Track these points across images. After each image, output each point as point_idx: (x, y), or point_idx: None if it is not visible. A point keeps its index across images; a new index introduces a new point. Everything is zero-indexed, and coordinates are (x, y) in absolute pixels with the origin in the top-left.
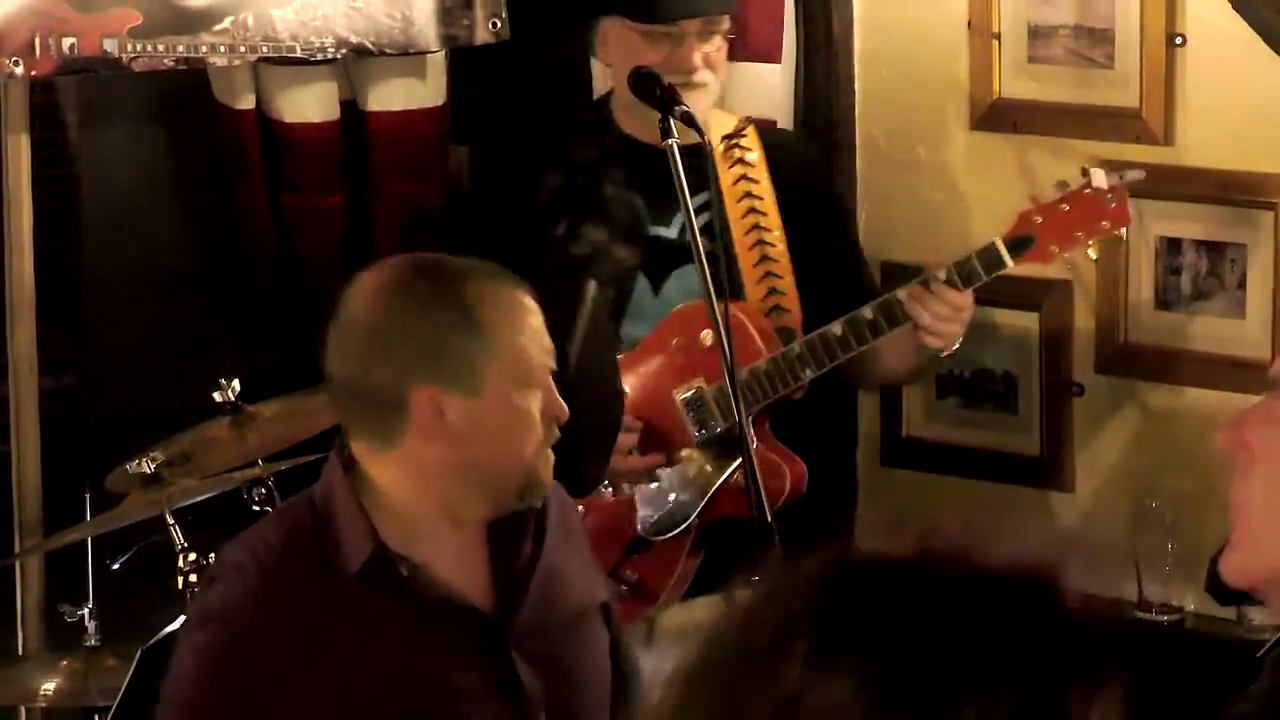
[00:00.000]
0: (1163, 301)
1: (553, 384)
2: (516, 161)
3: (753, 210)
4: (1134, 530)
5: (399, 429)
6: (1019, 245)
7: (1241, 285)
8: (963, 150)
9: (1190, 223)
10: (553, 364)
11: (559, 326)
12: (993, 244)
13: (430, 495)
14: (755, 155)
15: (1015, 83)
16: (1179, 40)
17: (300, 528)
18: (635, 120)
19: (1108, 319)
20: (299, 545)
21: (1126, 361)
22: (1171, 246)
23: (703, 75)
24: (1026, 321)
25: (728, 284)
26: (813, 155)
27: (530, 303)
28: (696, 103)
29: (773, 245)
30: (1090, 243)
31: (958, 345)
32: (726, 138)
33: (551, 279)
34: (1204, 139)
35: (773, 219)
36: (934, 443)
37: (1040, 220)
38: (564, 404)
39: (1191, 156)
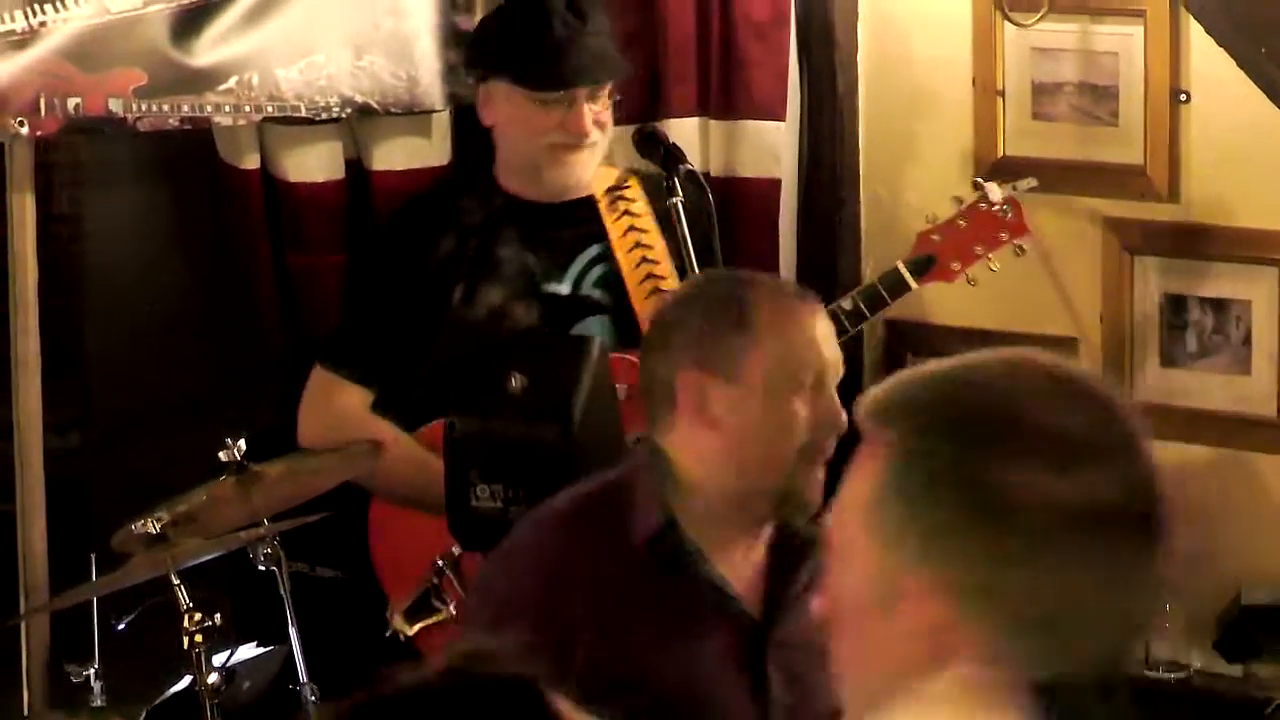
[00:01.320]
0: (1168, 358)
1: (833, 394)
2: (407, 227)
3: (645, 260)
4: None
5: (670, 413)
6: (921, 266)
7: (1247, 342)
8: None
9: (1195, 279)
10: (833, 375)
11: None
12: (895, 267)
13: (708, 484)
14: (640, 205)
15: (1020, 140)
16: (1183, 97)
17: (599, 497)
18: (520, 179)
19: (1113, 377)
20: (595, 509)
21: None
22: (1176, 303)
23: (594, 136)
24: None
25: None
26: (697, 199)
27: (814, 313)
28: (588, 163)
29: (664, 279)
30: (990, 256)
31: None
32: (609, 190)
33: (453, 342)
34: (1209, 195)
35: (664, 266)
36: None
37: (939, 239)
38: (842, 414)
39: (1196, 213)
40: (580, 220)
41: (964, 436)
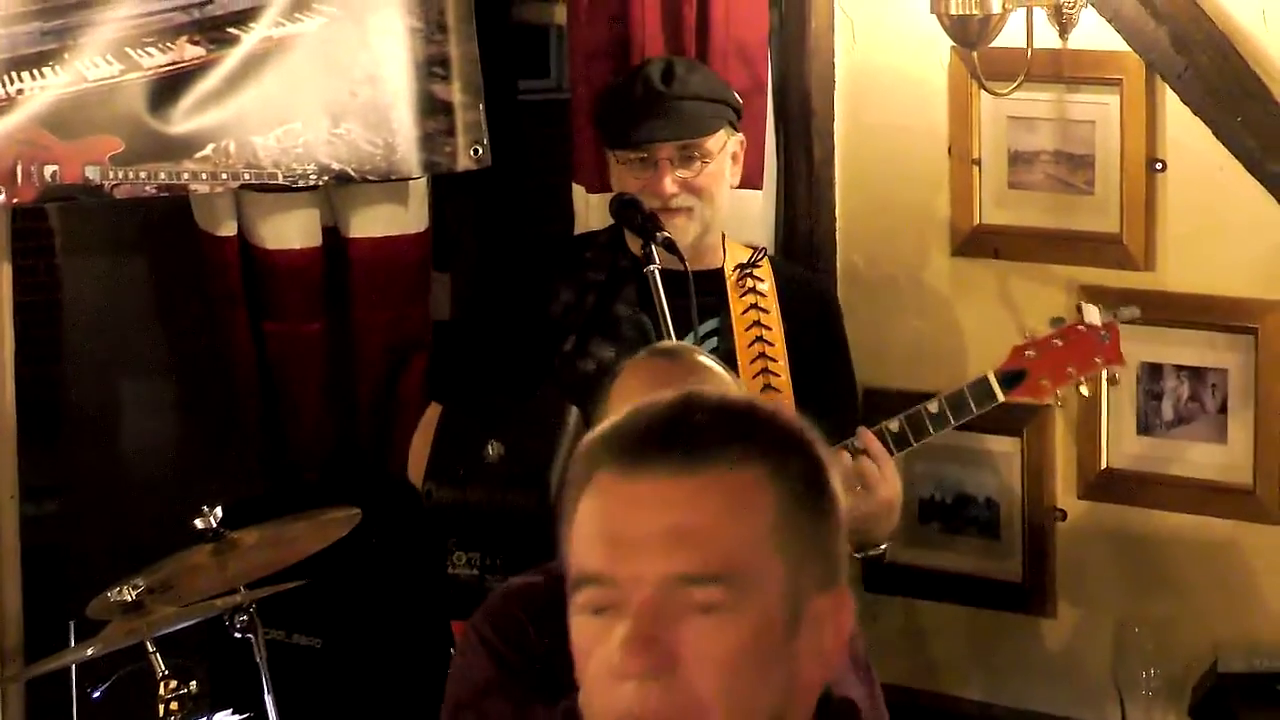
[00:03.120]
0: (1144, 426)
1: None
2: (529, 278)
3: (760, 339)
4: (1116, 654)
5: None
6: (1011, 380)
7: (1223, 410)
8: (944, 276)
9: (1171, 347)
10: None
11: (540, 452)
12: (984, 377)
13: None
14: (767, 285)
15: (996, 209)
16: (1159, 166)
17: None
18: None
19: (1089, 444)
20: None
21: (1108, 487)
22: (1153, 371)
23: (681, 200)
24: (1008, 447)
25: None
26: (824, 292)
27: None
28: (682, 228)
29: (776, 375)
30: (1083, 379)
31: (882, 545)
32: (740, 266)
33: (557, 392)
34: (1184, 264)
35: (778, 349)
36: (917, 568)
37: (1033, 355)
38: None
39: (1172, 281)
40: (703, 292)
41: (804, 452)
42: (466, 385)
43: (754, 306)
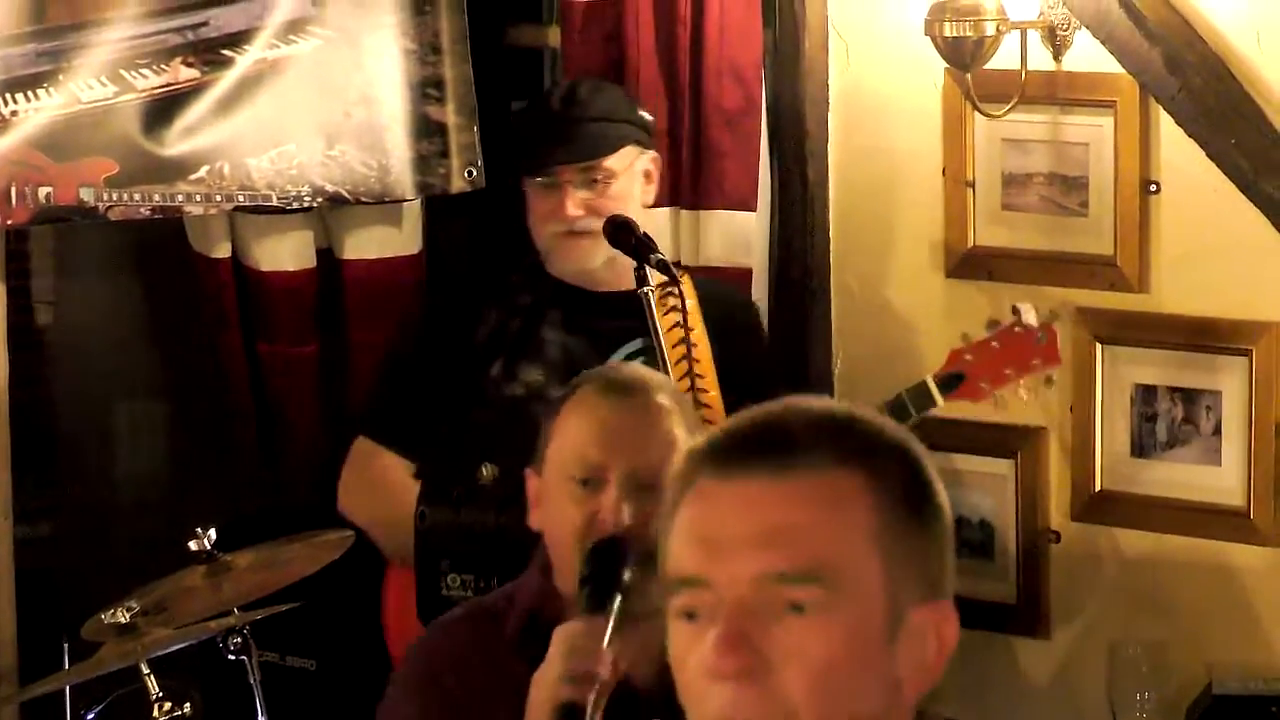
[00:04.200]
0: (1138, 448)
1: (614, 496)
2: (453, 304)
3: (686, 356)
4: (1110, 676)
5: None
6: (949, 382)
7: (1217, 432)
8: (938, 298)
9: (1165, 369)
10: (621, 474)
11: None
12: (923, 381)
13: (557, 578)
14: (691, 303)
15: (990, 230)
16: (1153, 188)
17: (501, 598)
18: (577, 268)
19: (1083, 466)
20: (487, 613)
21: (1102, 509)
22: (1146, 393)
23: (585, 223)
24: (1002, 469)
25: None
26: (745, 306)
27: (611, 408)
28: (590, 250)
29: (706, 391)
30: (1022, 381)
31: None
32: (662, 285)
33: (491, 415)
34: (1178, 286)
35: (705, 365)
36: None
37: (971, 358)
38: (616, 519)
39: (1166, 303)
40: (627, 313)
41: (906, 461)
42: (395, 415)
43: (678, 324)
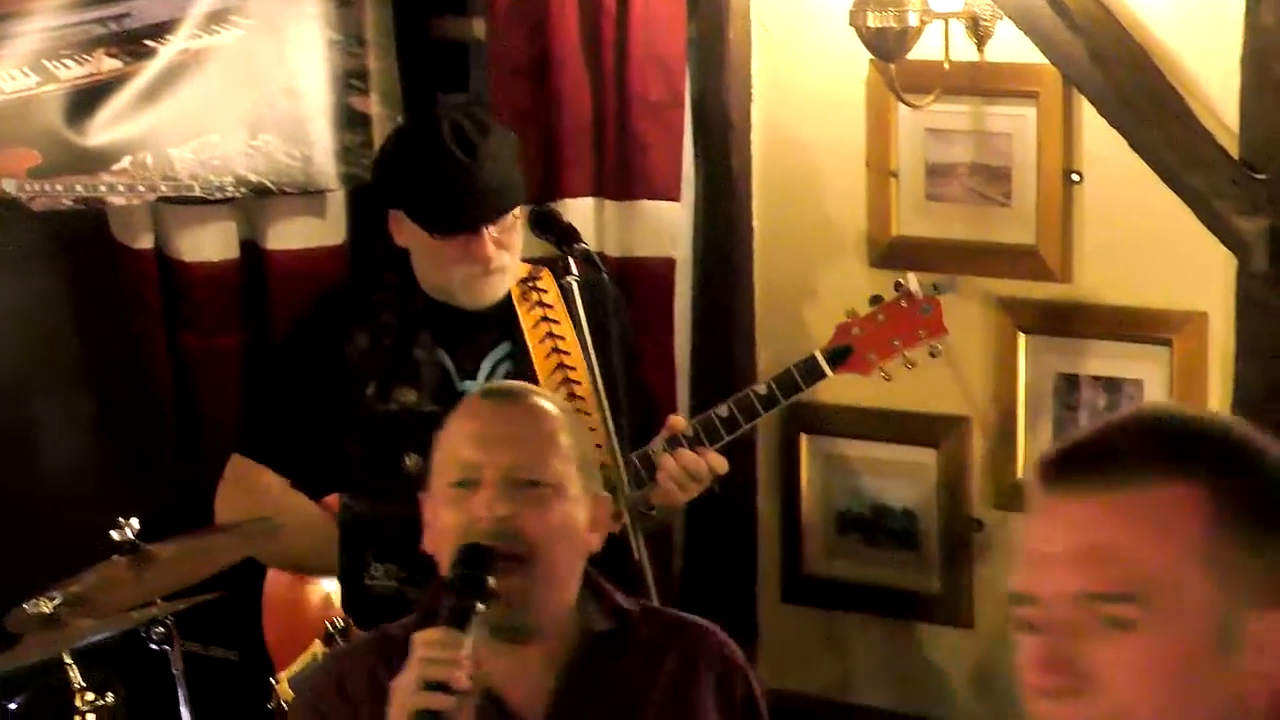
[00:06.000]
0: (1061, 438)
1: (487, 498)
2: (324, 321)
3: (555, 350)
4: None
5: None
6: (837, 356)
7: None
8: (861, 288)
9: (1087, 359)
10: (495, 476)
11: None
12: (812, 355)
13: None
14: (551, 295)
15: (913, 221)
16: (1075, 178)
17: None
18: (437, 292)
19: (1006, 455)
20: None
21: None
22: (1069, 383)
23: (499, 260)
24: (925, 458)
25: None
26: (607, 289)
27: (485, 411)
28: (499, 283)
29: (578, 383)
30: (908, 353)
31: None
32: (522, 282)
33: (365, 437)
34: (1101, 275)
35: (575, 357)
36: (834, 580)
37: (858, 331)
38: (488, 519)
39: (1088, 293)
40: (494, 320)
41: (1269, 466)
42: (267, 437)
43: (544, 319)
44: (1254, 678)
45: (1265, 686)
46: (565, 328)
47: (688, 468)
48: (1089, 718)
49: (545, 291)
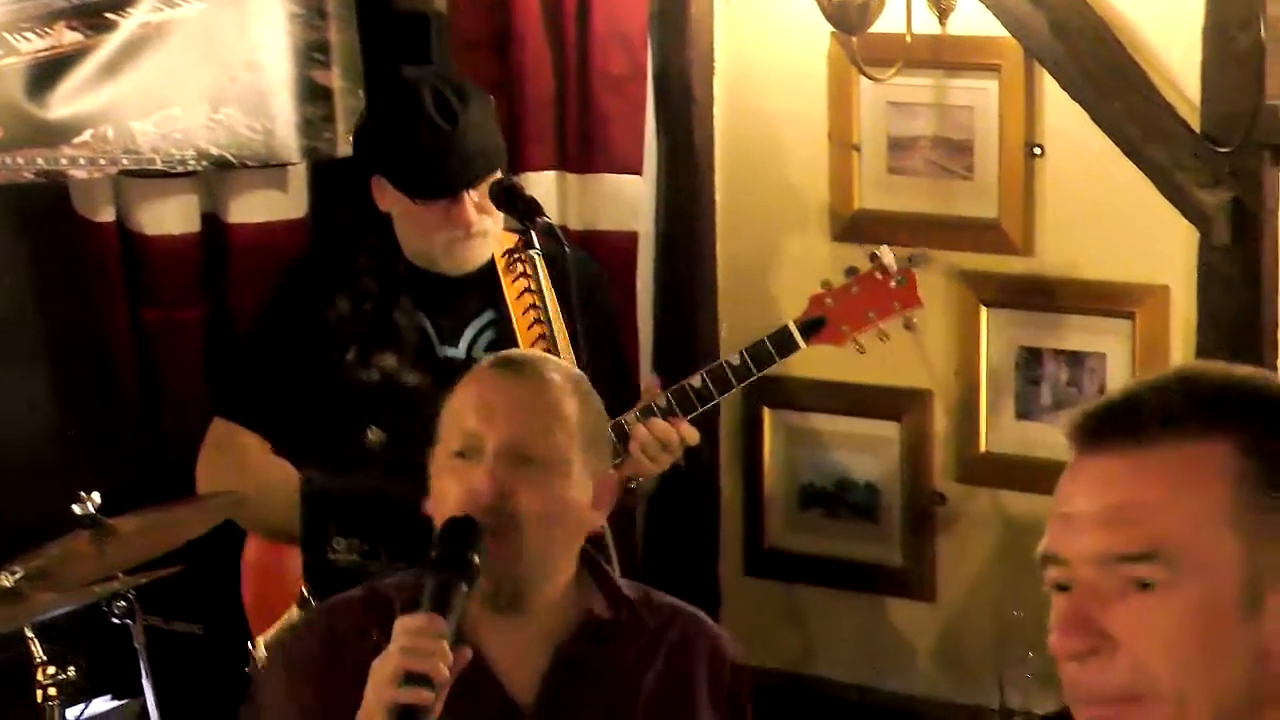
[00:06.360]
0: (1023, 411)
1: (488, 468)
2: (306, 285)
3: (538, 321)
4: (996, 638)
5: None
6: (811, 327)
7: (1101, 394)
8: (824, 261)
9: (1050, 332)
10: (496, 447)
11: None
12: (785, 326)
13: None
14: (542, 271)
15: (875, 194)
16: (1038, 151)
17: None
18: (419, 258)
19: (968, 429)
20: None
21: (987, 471)
22: (1031, 356)
23: (480, 225)
24: (888, 431)
25: None
26: (589, 265)
27: (486, 381)
28: (480, 248)
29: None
30: (882, 325)
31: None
32: (509, 252)
33: (346, 401)
34: (1063, 249)
35: (558, 329)
36: (797, 553)
37: (831, 302)
38: (484, 490)
39: (1051, 266)
40: (478, 287)
41: None
42: (251, 400)
43: (528, 290)
44: (1277, 639)
45: None
46: (551, 302)
47: (660, 437)
48: (1111, 681)
49: (530, 263)
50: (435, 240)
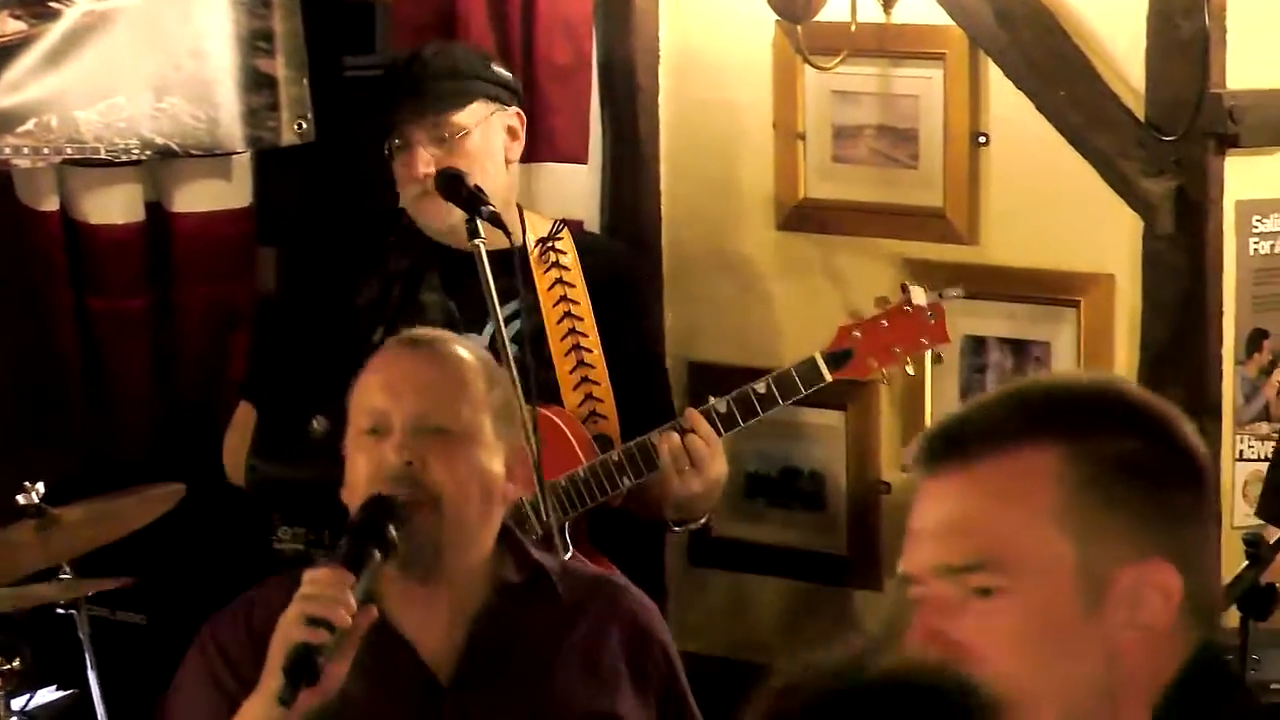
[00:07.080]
0: (968, 399)
1: (395, 445)
2: (333, 268)
3: (569, 315)
4: None
5: None
6: (838, 360)
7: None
8: (770, 251)
9: (995, 320)
10: (405, 423)
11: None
12: (812, 358)
13: None
14: (570, 259)
15: (820, 183)
16: (982, 139)
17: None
18: (441, 227)
19: (913, 418)
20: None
21: None
22: (976, 345)
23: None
24: (833, 420)
25: (537, 389)
26: (627, 263)
27: (398, 358)
28: (438, 211)
29: (589, 350)
30: (909, 359)
31: (703, 519)
32: (541, 241)
33: None
34: (1008, 237)
35: (588, 324)
36: (742, 542)
37: (860, 335)
38: (389, 466)
39: (995, 255)
40: (505, 272)
41: (1131, 425)
42: (279, 383)
43: (559, 281)
44: (1126, 631)
45: (1139, 638)
46: (580, 293)
47: (689, 447)
48: None
49: (564, 254)
50: (406, 199)
